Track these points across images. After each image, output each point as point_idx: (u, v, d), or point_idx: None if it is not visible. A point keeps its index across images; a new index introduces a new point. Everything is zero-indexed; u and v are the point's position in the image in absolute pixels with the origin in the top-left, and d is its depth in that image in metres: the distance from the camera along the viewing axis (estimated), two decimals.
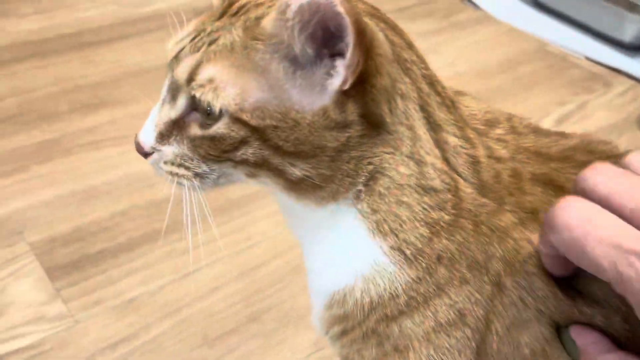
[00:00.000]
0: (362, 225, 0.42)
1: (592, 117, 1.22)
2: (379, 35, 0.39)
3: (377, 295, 0.42)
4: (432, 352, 0.42)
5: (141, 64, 1.23)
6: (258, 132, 0.39)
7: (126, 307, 0.79)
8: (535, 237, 0.40)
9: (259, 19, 0.39)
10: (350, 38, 0.36)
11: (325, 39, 0.37)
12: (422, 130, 0.41)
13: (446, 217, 0.41)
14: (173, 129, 0.42)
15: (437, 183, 0.41)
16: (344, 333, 0.45)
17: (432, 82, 0.42)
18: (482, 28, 1.51)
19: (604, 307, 0.39)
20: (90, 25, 1.34)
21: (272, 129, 0.39)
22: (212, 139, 0.40)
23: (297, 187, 0.41)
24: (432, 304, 0.41)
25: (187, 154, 0.41)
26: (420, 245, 0.41)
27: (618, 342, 0.38)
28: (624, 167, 0.37)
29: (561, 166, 0.43)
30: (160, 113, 0.42)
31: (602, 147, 0.45)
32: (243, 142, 0.39)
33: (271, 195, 0.45)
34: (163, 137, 0.42)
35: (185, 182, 0.42)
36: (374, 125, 0.40)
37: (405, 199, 0.41)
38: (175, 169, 0.42)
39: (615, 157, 0.41)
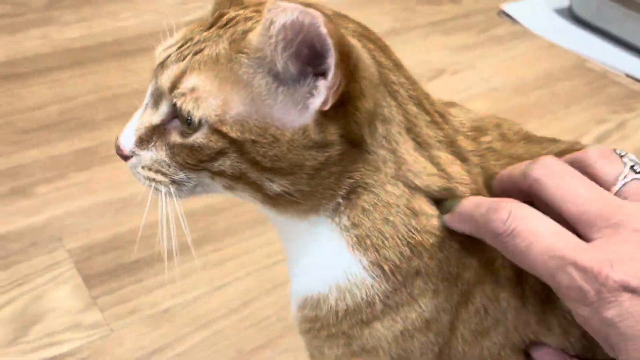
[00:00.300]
0: (341, 238, 0.42)
1: (632, 137, 1.20)
2: (365, 57, 0.39)
3: (354, 304, 0.43)
4: (400, 351, 0.44)
5: None
6: (236, 145, 0.39)
7: (161, 318, 0.79)
8: None
9: (246, 32, 0.39)
10: (332, 60, 0.35)
11: (310, 57, 0.37)
12: (408, 152, 0.41)
13: (431, 240, 0.41)
14: (153, 135, 0.42)
15: (427, 208, 0.41)
16: (310, 330, 0.46)
17: (420, 102, 0.42)
18: (520, 43, 1.49)
19: (565, 318, 0.42)
20: (129, 34, 1.36)
21: (250, 143, 0.39)
22: (191, 147, 0.40)
23: (276, 202, 0.41)
24: (402, 311, 0.42)
25: (165, 161, 0.42)
26: (399, 263, 0.41)
27: (575, 353, 0.42)
28: (579, 161, 0.40)
29: None
30: (142, 118, 0.43)
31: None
32: (221, 153, 0.39)
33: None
34: (142, 141, 0.42)
35: (162, 188, 0.43)
36: (355, 144, 0.40)
37: (391, 218, 0.41)
38: (152, 175, 0.42)
39: None
